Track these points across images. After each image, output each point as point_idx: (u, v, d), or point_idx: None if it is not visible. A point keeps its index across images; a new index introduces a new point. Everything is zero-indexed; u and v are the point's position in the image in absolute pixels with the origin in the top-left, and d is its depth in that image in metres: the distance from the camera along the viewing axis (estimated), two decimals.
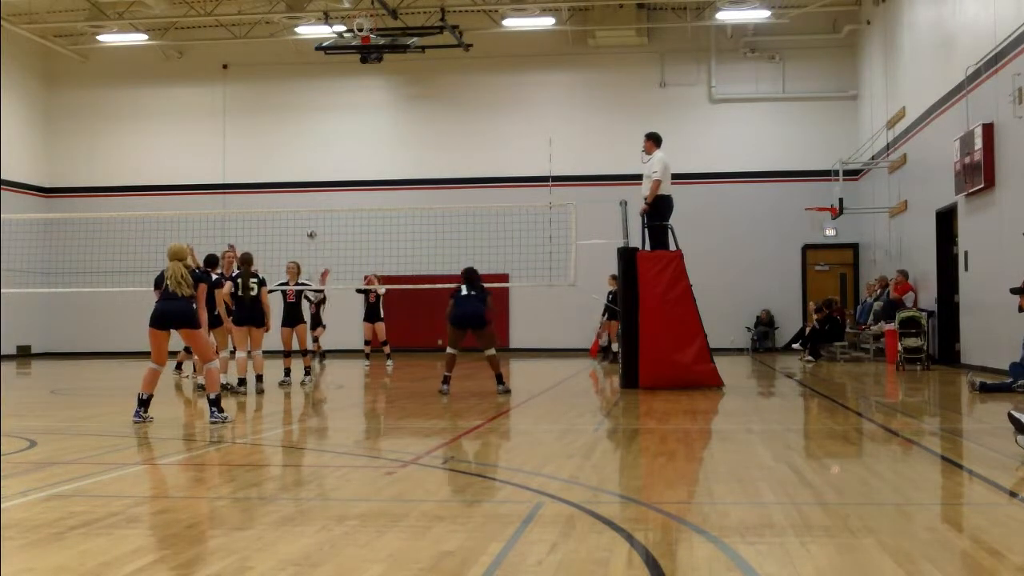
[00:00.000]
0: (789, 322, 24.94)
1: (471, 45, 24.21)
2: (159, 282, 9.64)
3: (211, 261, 13.36)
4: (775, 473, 6.22)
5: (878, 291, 20.66)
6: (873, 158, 22.67)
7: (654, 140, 13.67)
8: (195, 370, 14.24)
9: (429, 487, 6.08)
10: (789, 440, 8.09)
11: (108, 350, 25.67)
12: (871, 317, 20.28)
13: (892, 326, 17.48)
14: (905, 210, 20.31)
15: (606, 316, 20.56)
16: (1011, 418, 6.77)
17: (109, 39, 26.26)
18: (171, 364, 14.87)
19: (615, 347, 18.69)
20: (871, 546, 4.25)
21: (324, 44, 22.78)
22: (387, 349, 18.29)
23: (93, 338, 26.60)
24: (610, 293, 20.21)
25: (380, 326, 18.30)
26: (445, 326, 12.42)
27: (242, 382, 12.87)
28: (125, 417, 10.14)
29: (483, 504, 5.50)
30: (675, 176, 13.95)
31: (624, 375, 13.11)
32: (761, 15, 23.76)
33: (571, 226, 16.91)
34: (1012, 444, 6.76)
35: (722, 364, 13.79)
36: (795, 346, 22.73)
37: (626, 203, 14.23)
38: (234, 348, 13.45)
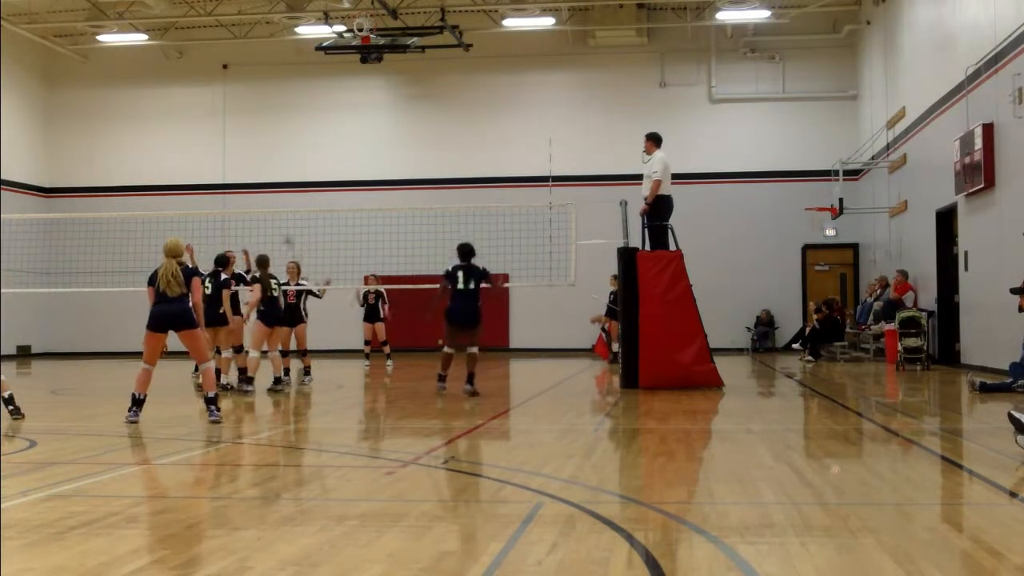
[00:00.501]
0: (789, 322, 24.93)
1: (471, 45, 24.21)
2: (152, 280, 9.59)
3: (220, 261, 13.39)
4: (775, 473, 6.22)
5: (878, 291, 20.66)
6: (873, 158, 22.67)
7: (654, 140, 13.66)
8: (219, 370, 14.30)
9: (429, 487, 6.08)
10: (789, 440, 8.09)
11: (108, 350, 25.66)
12: (871, 317, 20.28)
13: (892, 326, 17.48)
14: (905, 210, 20.31)
15: (608, 317, 20.56)
16: (1011, 418, 6.77)
17: (109, 39, 26.25)
18: (188, 366, 14.79)
19: (615, 347, 18.69)
20: (871, 546, 4.25)
21: (324, 44, 22.78)
22: (387, 349, 18.30)
23: (93, 338, 26.60)
24: (611, 293, 20.22)
25: (380, 326, 18.30)
26: (442, 321, 11.94)
27: (278, 380, 13.23)
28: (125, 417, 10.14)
29: (483, 504, 5.50)
30: (675, 176, 13.94)
31: (624, 375, 13.10)
32: (761, 15, 23.76)
33: (571, 226, 16.91)
34: (1012, 444, 6.76)
35: (722, 364, 13.79)
36: (795, 346, 22.73)
37: (626, 203, 14.23)
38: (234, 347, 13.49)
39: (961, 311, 16.89)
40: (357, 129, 26.84)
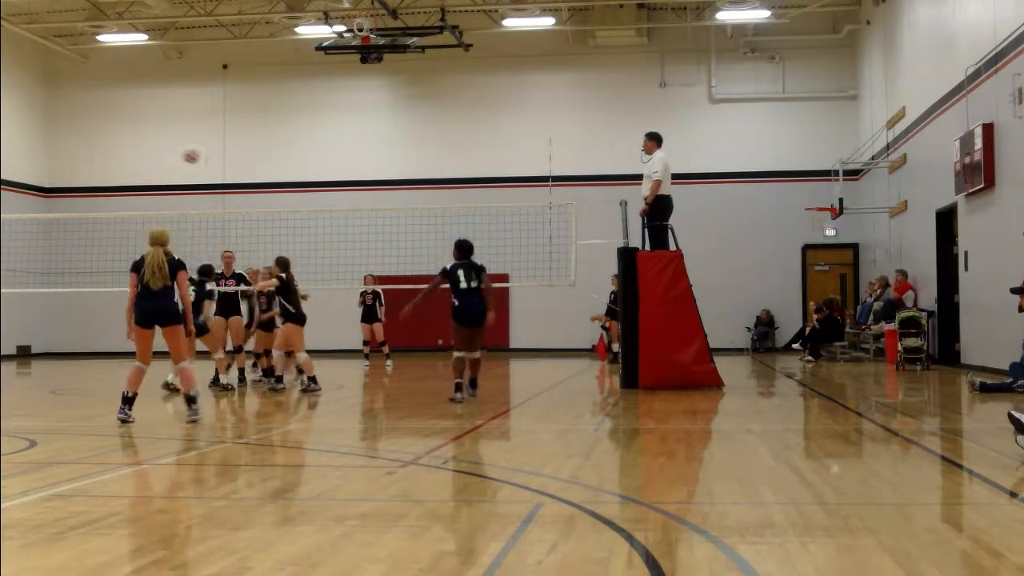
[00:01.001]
0: (789, 322, 24.94)
1: (471, 45, 24.21)
2: (137, 267, 9.38)
3: (204, 271, 13.31)
4: (775, 473, 6.22)
5: (878, 291, 20.65)
6: (873, 158, 22.67)
7: (655, 139, 13.66)
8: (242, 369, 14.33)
9: (429, 487, 6.08)
10: (789, 440, 8.09)
11: (108, 350, 25.62)
12: (871, 317, 20.28)
13: (892, 326, 17.48)
14: (905, 210, 20.31)
15: (607, 316, 20.58)
16: (1011, 418, 6.77)
17: (109, 39, 26.26)
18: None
19: (615, 347, 18.69)
20: (871, 546, 4.25)
21: (324, 44, 22.78)
22: (386, 349, 18.30)
23: (93, 338, 26.58)
24: (612, 293, 20.21)
25: (377, 326, 18.33)
26: (410, 305, 11.21)
27: (313, 379, 13.26)
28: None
29: (483, 504, 5.50)
30: (675, 176, 13.94)
31: (624, 375, 13.10)
32: (761, 15, 23.76)
33: (571, 226, 16.90)
34: (1012, 444, 6.76)
35: (722, 364, 13.79)
36: (795, 346, 22.73)
37: (626, 203, 14.22)
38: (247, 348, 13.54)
39: (961, 311, 16.89)
40: (357, 129, 26.85)
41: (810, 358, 20.15)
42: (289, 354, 13.61)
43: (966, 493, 5.93)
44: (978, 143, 15.17)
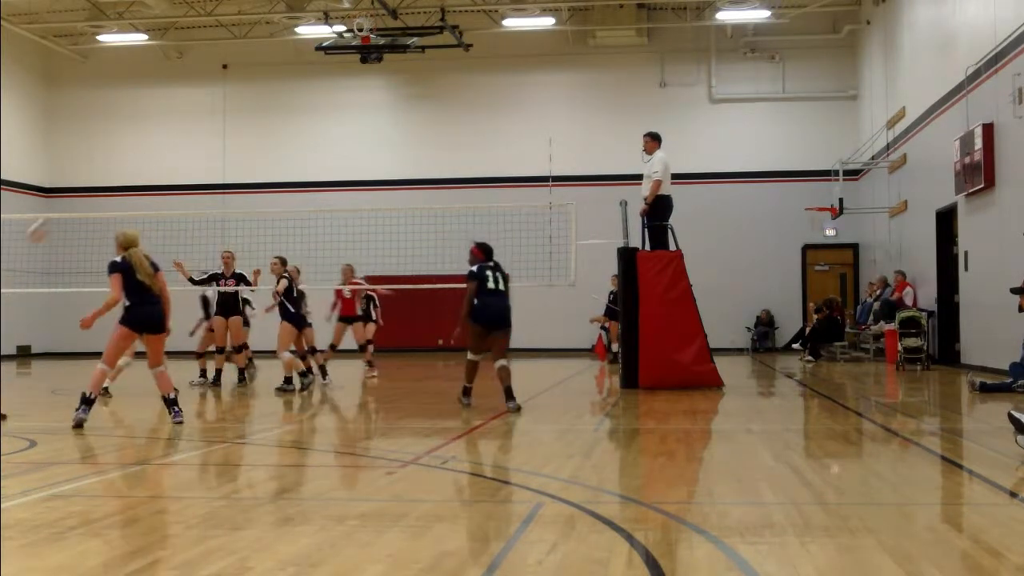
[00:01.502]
0: (789, 322, 24.94)
1: (471, 45, 24.21)
2: (124, 267, 9.06)
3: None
4: (775, 473, 6.22)
5: (878, 291, 20.65)
6: (873, 158, 22.67)
7: (655, 139, 13.65)
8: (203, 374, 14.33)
9: (429, 487, 6.07)
10: (789, 440, 8.09)
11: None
12: (871, 317, 20.28)
13: (892, 326, 17.48)
14: (905, 210, 20.31)
15: (606, 316, 20.58)
16: (1011, 418, 6.77)
17: (109, 39, 26.25)
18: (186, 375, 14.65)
19: (615, 347, 18.69)
20: (871, 546, 4.25)
21: (324, 44, 22.77)
22: (370, 350, 17.51)
23: (93, 338, 26.32)
24: (611, 293, 20.21)
25: (371, 326, 18.30)
26: (459, 324, 10.41)
27: (313, 376, 13.31)
28: (125, 417, 10.16)
29: (483, 504, 5.50)
30: (675, 176, 13.94)
31: (624, 375, 13.10)
32: (761, 15, 23.76)
33: (571, 226, 16.88)
34: (1012, 444, 6.76)
35: (722, 364, 13.79)
36: (795, 346, 22.73)
37: (626, 203, 14.22)
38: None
39: (961, 311, 16.89)
40: (357, 129, 26.84)
41: (810, 358, 20.15)
42: (303, 355, 13.70)
43: (966, 493, 5.93)
44: (978, 143, 15.17)
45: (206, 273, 14.43)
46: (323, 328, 15.20)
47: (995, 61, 14.70)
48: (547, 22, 24.95)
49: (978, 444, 7.55)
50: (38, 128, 27.47)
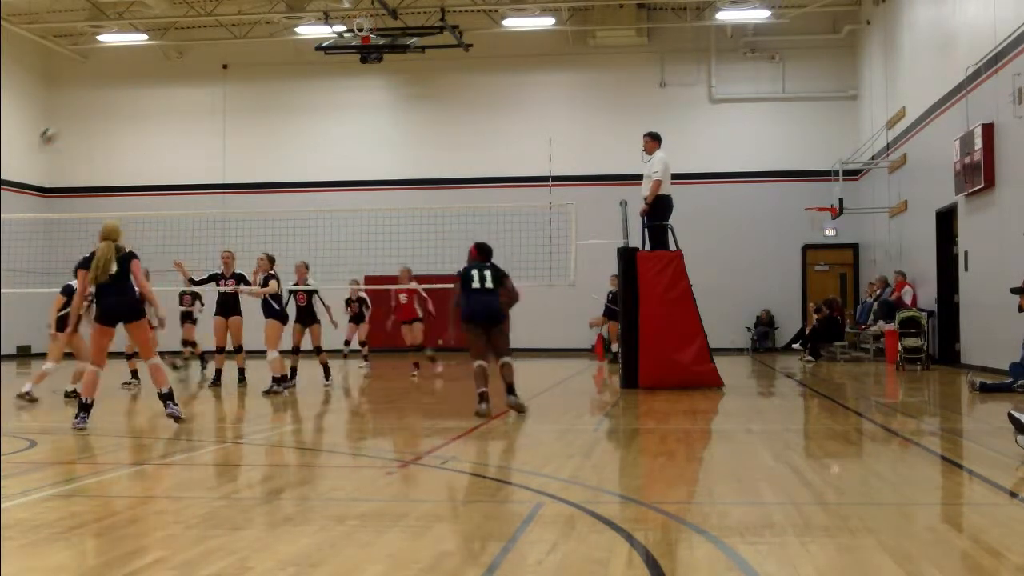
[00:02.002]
0: (789, 322, 24.93)
1: (471, 45, 24.20)
2: (86, 264, 9.01)
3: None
4: (775, 473, 6.22)
5: (878, 291, 20.65)
6: (873, 158, 22.66)
7: (655, 139, 13.65)
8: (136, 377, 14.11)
9: (429, 487, 6.08)
10: (789, 440, 8.09)
11: (107, 350, 25.63)
12: (871, 317, 20.28)
13: (892, 326, 17.48)
14: (905, 210, 20.31)
15: (605, 316, 20.60)
16: (1011, 418, 6.77)
17: (109, 39, 26.25)
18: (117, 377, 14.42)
19: (615, 347, 18.69)
20: (871, 546, 4.25)
21: (324, 44, 22.77)
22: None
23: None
24: (610, 293, 20.22)
25: (363, 327, 18.61)
26: (451, 326, 10.24)
27: (278, 381, 13.07)
28: (125, 417, 10.15)
29: (483, 504, 5.50)
30: (675, 176, 13.94)
31: (624, 375, 13.10)
32: (761, 15, 23.76)
33: (571, 226, 16.88)
34: (1012, 444, 6.76)
35: (722, 364, 13.78)
36: (795, 346, 22.73)
37: (626, 203, 14.22)
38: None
39: (961, 311, 16.88)
40: (357, 129, 26.84)
41: (810, 358, 20.15)
42: (295, 350, 13.68)
43: (966, 493, 5.93)
44: (978, 143, 15.17)
45: (206, 273, 14.42)
46: (326, 328, 15.13)
47: (995, 61, 14.70)
48: (547, 22, 24.95)
49: (978, 444, 7.55)
50: (38, 128, 27.45)
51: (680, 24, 25.24)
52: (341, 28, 23.14)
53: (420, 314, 16.61)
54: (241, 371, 14.36)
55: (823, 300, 21.59)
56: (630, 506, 5.30)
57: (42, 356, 26.21)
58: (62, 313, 12.25)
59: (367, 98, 27.05)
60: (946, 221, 17.72)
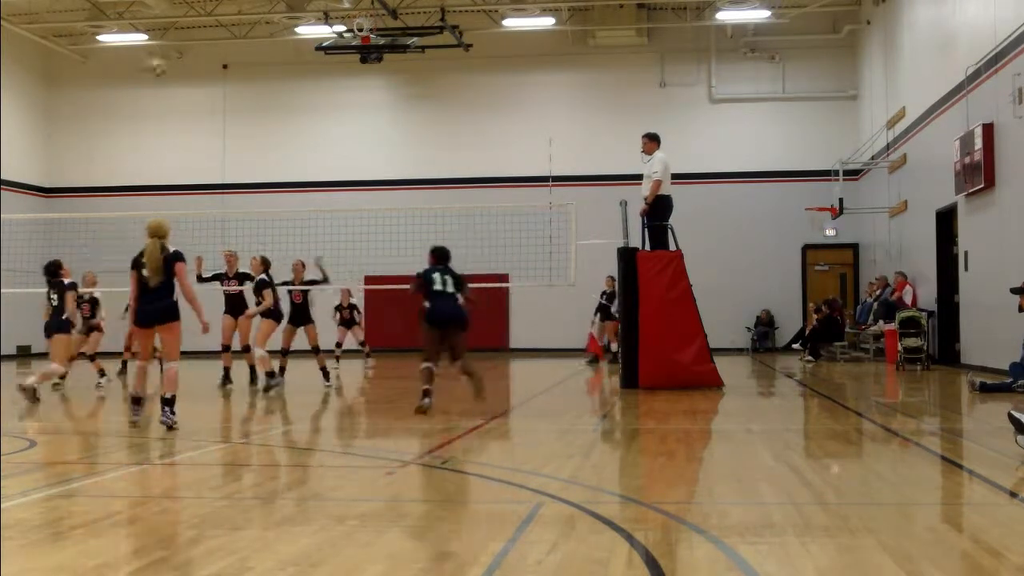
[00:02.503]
0: (789, 322, 24.93)
1: (471, 45, 24.21)
2: (136, 263, 9.04)
3: (51, 270, 12.71)
4: (775, 473, 6.22)
5: (878, 291, 20.65)
6: (873, 158, 22.67)
7: (654, 140, 13.64)
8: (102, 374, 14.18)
9: (429, 487, 6.08)
10: (789, 440, 8.09)
11: (107, 350, 25.63)
12: (871, 317, 20.28)
13: (892, 326, 17.48)
14: (905, 210, 20.30)
15: (598, 316, 20.57)
16: (1011, 418, 6.77)
17: (109, 39, 26.26)
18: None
19: (614, 347, 18.69)
20: (871, 546, 4.25)
21: (324, 44, 22.78)
22: (366, 348, 18.14)
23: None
24: (604, 293, 20.22)
25: (356, 329, 18.72)
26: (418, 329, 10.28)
27: (282, 380, 13.24)
28: (125, 417, 10.14)
29: (483, 504, 5.50)
30: (675, 176, 13.93)
31: (624, 375, 13.10)
32: (761, 15, 23.76)
33: (571, 226, 16.89)
34: (1012, 444, 6.75)
35: (722, 364, 13.78)
36: (795, 346, 22.72)
37: (626, 203, 14.22)
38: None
39: (961, 311, 16.88)
40: (357, 129, 26.84)
41: (810, 358, 20.15)
42: (286, 351, 13.68)
43: (966, 493, 5.93)
44: (978, 143, 15.17)
45: (210, 272, 14.45)
46: (327, 328, 15.15)
47: (995, 61, 14.70)
48: (547, 22, 24.95)
49: (978, 444, 7.55)
50: (38, 128, 27.47)
51: (680, 24, 25.24)
52: (341, 28, 23.14)
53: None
54: (252, 369, 14.31)
55: (823, 300, 21.60)
56: (630, 506, 5.30)
57: (42, 356, 26.21)
58: (65, 316, 12.47)
59: (367, 98, 27.06)
60: (946, 221, 17.72)
